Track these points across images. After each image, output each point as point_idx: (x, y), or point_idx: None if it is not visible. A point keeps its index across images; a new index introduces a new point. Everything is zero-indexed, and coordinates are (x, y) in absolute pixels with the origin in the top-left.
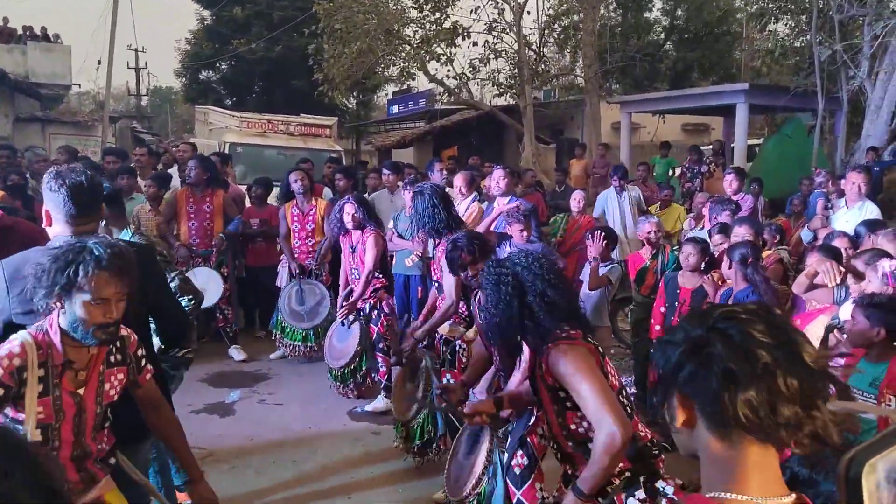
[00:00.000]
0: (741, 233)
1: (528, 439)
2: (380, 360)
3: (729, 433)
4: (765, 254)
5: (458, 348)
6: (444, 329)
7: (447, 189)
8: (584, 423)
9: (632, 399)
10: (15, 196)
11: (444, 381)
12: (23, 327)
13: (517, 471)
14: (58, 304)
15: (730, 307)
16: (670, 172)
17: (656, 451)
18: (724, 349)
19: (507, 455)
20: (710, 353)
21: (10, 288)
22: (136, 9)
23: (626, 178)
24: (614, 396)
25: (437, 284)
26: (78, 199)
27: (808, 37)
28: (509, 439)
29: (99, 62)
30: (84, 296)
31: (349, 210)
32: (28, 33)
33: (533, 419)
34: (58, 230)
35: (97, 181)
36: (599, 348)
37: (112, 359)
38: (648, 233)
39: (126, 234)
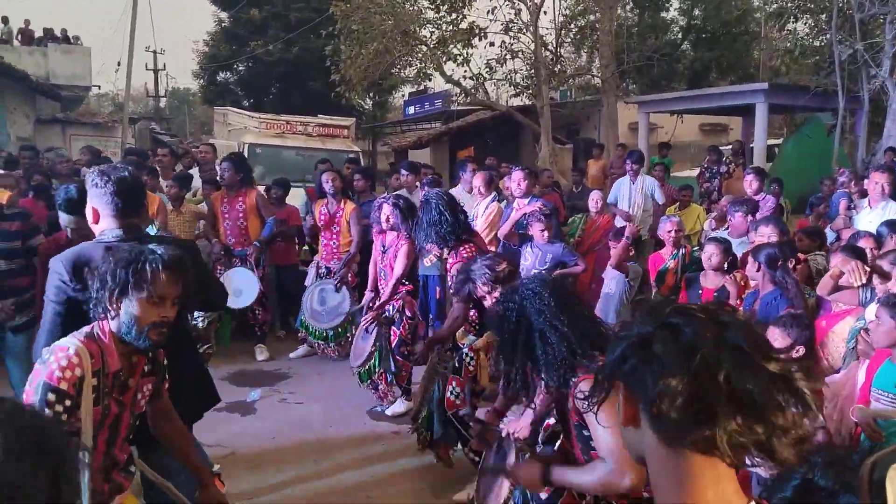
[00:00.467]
0: (766, 232)
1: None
2: (399, 363)
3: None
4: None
5: (464, 356)
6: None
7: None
8: None
9: None
10: (39, 197)
11: (450, 388)
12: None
13: (543, 495)
14: (114, 306)
15: (688, 305)
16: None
17: None
18: (667, 346)
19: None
20: (653, 350)
21: (73, 278)
22: (155, 11)
23: (641, 164)
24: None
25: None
26: (123, 193)
27: (829, 36)
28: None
29: (119, 64)
30: (142, 293)
31: (386, 211)
32: (49, 35)
33: (557, 446)
34: (105, 225)
35: (138, 177)
36: None
37: (145, 368)
38: (669, 232)
39: (151, 231)
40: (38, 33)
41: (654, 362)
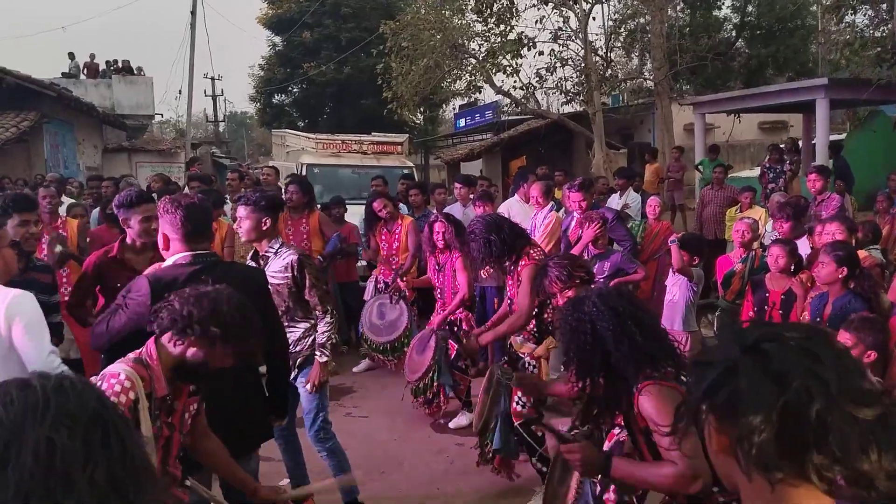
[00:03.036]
0: (832, 230)
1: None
2: (457, 376)
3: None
4: (860, 254)
5: (526, 365)
6: (516, 345)
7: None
8: None
9: None
10: (113, 225)
11: (516, 399)
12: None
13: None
14: (174, 340)
15: (777, 328)
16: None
17: None
18: (755, 373)
19: (598, 487)
20: (742, 377)
21: (152, 302)
22: (212, 39)
23: (633, 180)
24: (698, 444)
25: (510, 301)
26: (193, 219)
27: (890, 26)
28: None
29: (179, 92)
30: (201, 351)
31: (439, 228)
32: (112, 67)
33: (622, 452)
34: (176, 249)
35: (207, 203)
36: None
37: (190, 389)
38: (738, 232)
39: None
40: (102, 66)
41: (744, 394)
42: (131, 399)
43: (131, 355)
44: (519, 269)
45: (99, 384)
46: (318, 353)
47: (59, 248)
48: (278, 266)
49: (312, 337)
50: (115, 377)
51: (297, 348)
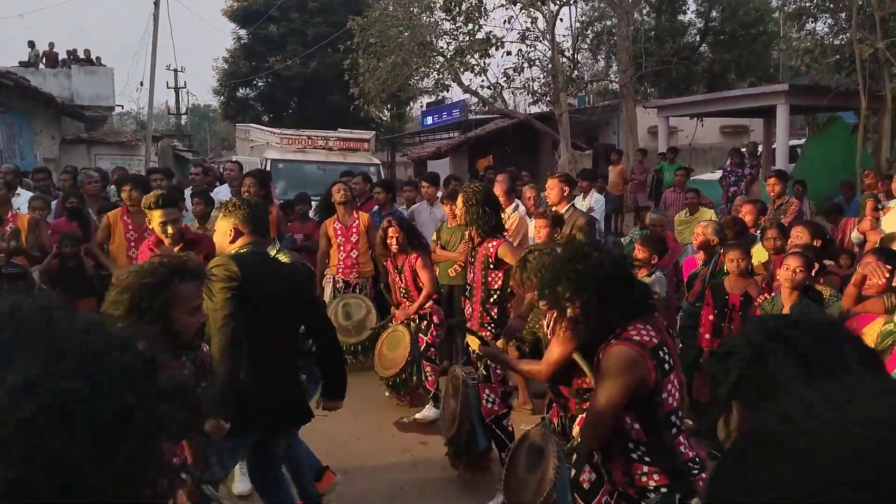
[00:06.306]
0: (797, 235)
1: (595, 454)
2: (428, 369)
3: None
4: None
5: (489, 362)
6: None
7: None
8: (635, 425)
9: (681, 421)
10: (73, 218)
11: (485, 396)
12: None
13: (586, 486)
14: None
15: (796, 318)
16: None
17: (696, 470)
18: (782, 360)
19: (574, 471)
20: (768, 364)
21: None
22: (175, 29)
23: (595, 181)
24: (616, 412)
25: (469, 287)
26: (258, 217)
27: (849, 34)
28: (575, 456)
29: (141, 84)
30: None
31: (392, 234)
32: (72, 57)
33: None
34: (242, 242)
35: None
36: (667, 356)
37: None
38: (696, 235)
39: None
40: (62, 55)
41: (771, 375)
42: None
43: None
44: (490, 250)
45: None
46: None
47: (13, 243)
48: None
49: None
50: None
51: None
